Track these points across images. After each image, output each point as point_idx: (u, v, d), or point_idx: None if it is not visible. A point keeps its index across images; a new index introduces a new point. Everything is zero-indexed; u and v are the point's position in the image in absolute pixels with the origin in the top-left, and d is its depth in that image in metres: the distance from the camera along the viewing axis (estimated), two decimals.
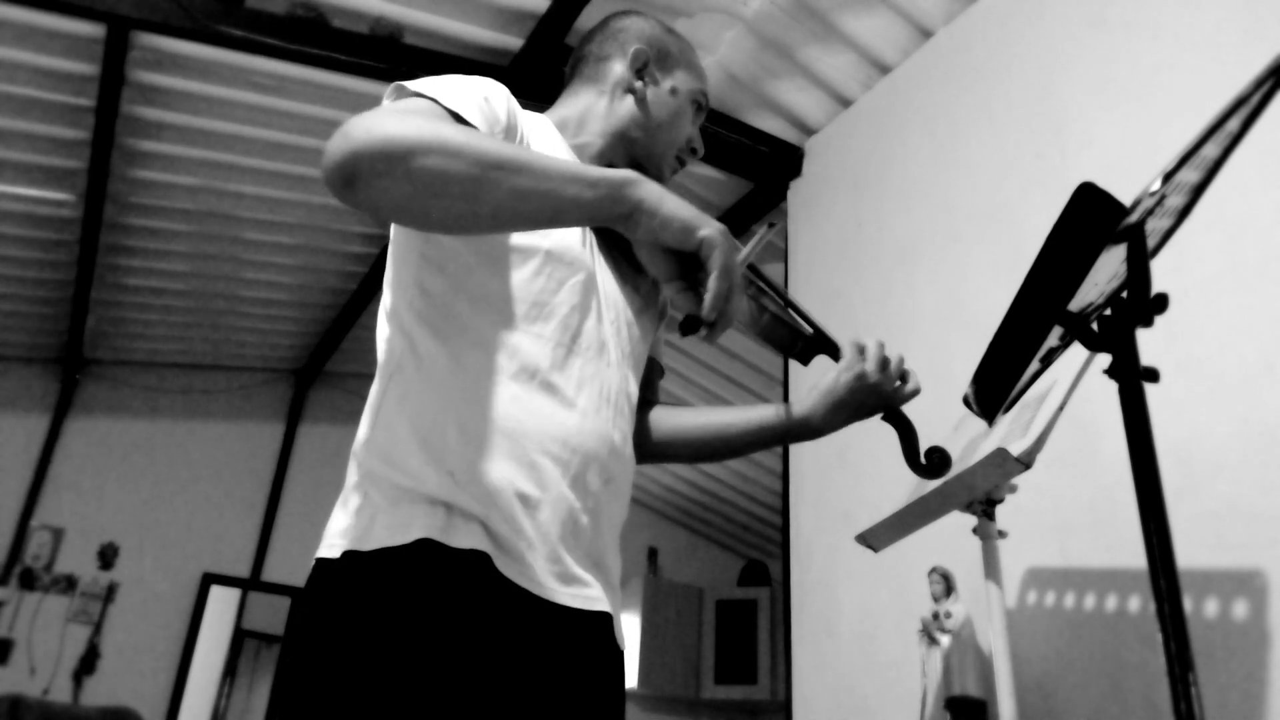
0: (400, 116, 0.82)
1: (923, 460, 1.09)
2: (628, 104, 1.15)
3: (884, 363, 1.11)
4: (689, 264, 0.88)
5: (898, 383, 1.12)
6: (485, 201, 0.81)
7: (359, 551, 0.86)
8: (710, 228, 0.85)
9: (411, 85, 0.92)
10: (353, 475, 0.94)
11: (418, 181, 0.78)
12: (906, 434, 1.11)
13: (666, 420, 1.21)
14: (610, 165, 1.14)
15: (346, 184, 0.78)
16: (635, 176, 0.86)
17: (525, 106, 1.10)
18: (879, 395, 1.11)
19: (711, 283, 0.84)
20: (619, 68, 1.16)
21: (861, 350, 1.11)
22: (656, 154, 1.16)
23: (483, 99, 0.96)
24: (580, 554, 0.94)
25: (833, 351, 1.12)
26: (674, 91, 1.17)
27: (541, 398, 0.93)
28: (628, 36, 1.18)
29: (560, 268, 0.98)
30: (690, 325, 0.86)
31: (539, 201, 0.82)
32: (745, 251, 1.00)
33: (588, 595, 0.94)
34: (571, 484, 0.93)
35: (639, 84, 1.15)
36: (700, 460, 1.25)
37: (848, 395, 1.11)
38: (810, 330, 1.11)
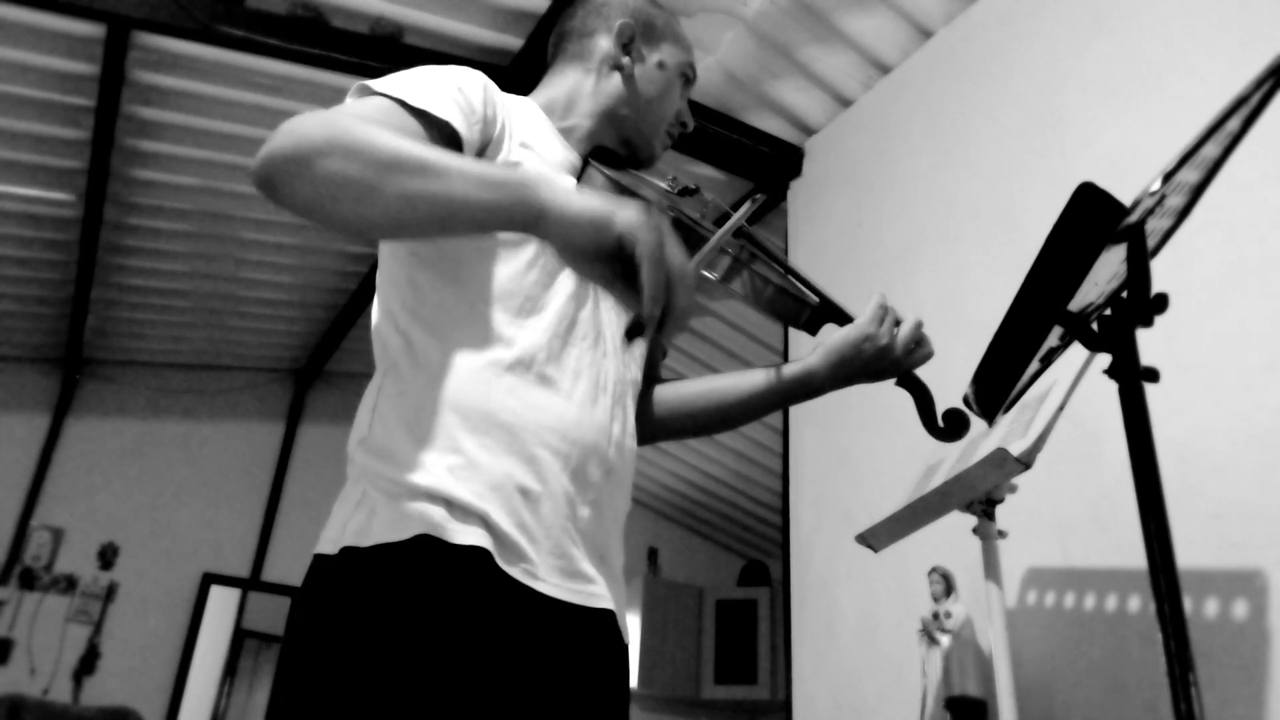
0: (324, 119, 0.81)
1: (940, 424, 1.06)
2: (615, 81, 1.12)
3: (896, 326, 1.06)
4: (625, 262, 0.76)
5: (912, 347, 1.07)
6: (375, 205, 0.78)
7: (357, 548, 0.85)
8: (624, 216, 0.76)
9: (376, 85, 0.91)
10: (350, 473, 0.93)
11: (319, 185, 0.79)
12: (922, 398, 1.07)
13: (669, 393, 1.19)
14: (600, 145, 1.13)
15: (263, 185, 0.80)
16: (539, 178, 0.80)
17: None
18: (889, 360, 1.06)
19: (643, 278, 0.74)
20: (604, 43, 1.14)
21: (881, 317, 1.06)
22: (646, 131, 1.14)
23: (456, 89, 0.94)
24: (584, 548, 0.94)
25: (841, 319, 1.09)
26: (661, 65, 1.14)
27: (538, 390, 0.93)
28: (611, 10, 1.15)
29: (553, 259, 0.97)
30: (634, 330, 0.75)
31: (430, 205, 0.78)
32: (724, 230, 0.95)
33: (590, 592, 0.93)
34: (572, 476, 0.93)
35: (626, 60, 1.13)
36: (705, 431, 1.21)
37: (854, 355, 1.06)
38: (816, 300, 1.08)
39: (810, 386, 1.11)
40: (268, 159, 0.79)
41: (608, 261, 0.77)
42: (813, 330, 1.10)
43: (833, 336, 1.08)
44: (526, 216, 0.78)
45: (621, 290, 0.78)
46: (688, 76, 1.18)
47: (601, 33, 1.14)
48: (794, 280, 1.09)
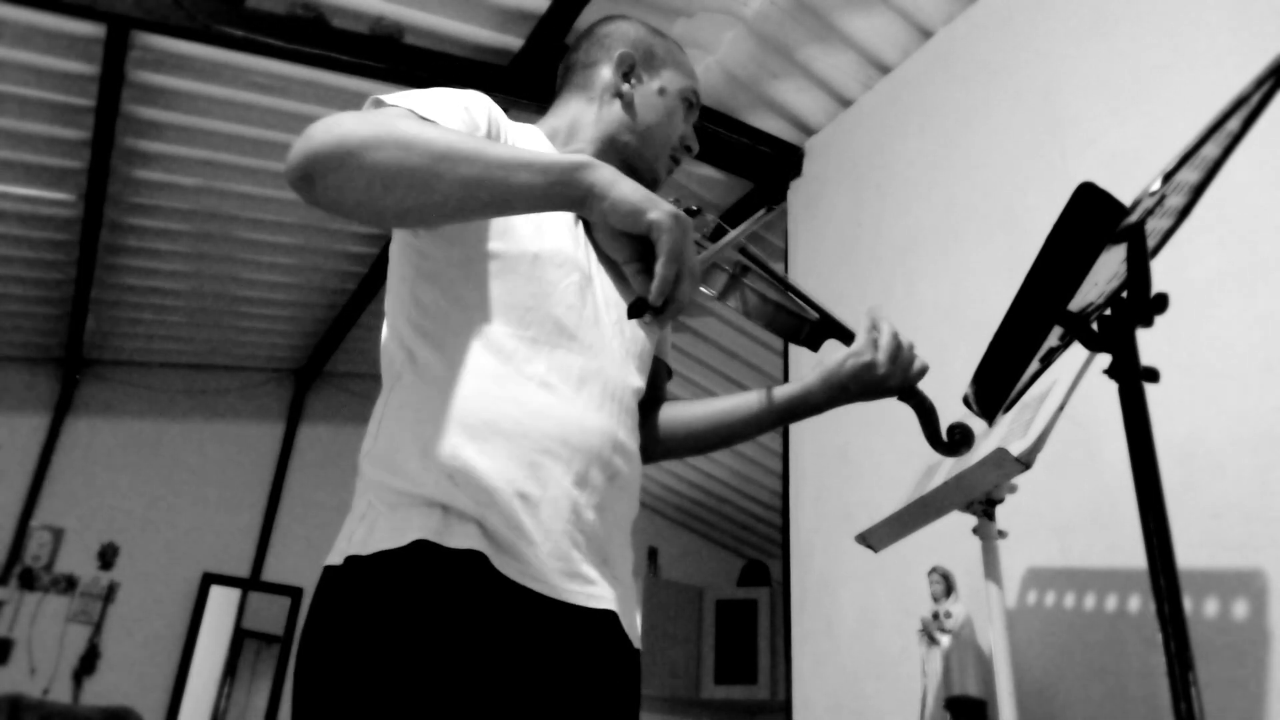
0: (359, 116, 0.85)
1: (944, 438, 1.06)
2: (616, 108, 1.15)
3: (894, 352, 1.07)
4: (646, 247, 0.85)
5: (906, 364, 1.09)
6: (436, 191, 0.82)
7: (359, 556, 0.87)
8: (658, 211, 0.83)
9: (389, 99, 0.93)
10: (358, 486, 0.95)
11: (370, 175, 0.80)
12: (925, 413, 1.08)
13: (672, 414, 1.22)
14: None
15: (305, 181, 0.81)
16: (587, 161, 0.85)
17: (524, 108, 1.10)
18: (884, 383, 1.08)
19: (658, 268, 0.82)
20: (606, 73, 1.17)
21: (875, 340, 1.08)
22: (649, 156, 1.16)
23: (462, 108, 0.97)
24: (587, 551, 0.94)
25: (843, 335, 1.10)
26: (662, 91, 1.17)
27: (541, 396, 0.94)
28: (613, 41, 1.19)
29: (552, 270, 0.99)
30: (636, 308, 0.84)
31: (489, 190, 0.82)
32: (724, 241, 0.99)
33: (591, 593, 0.94)
34: (575, 482, 0.93)
35: (626, 87, 1.16)
36: (706, 450, 1.25)
37: (851, 381, 1.09)
38: (816, 315, 1.09)
39: (808, 406, 1.14)
40: (309, 155, 0.80)
41: (633, 243, 0.86)
42: (814, 346, 1.11)
43: (830, 359, 1.11)
44: (576, 195, 0.83)
45: (635, 271, 0.86)
46: (690, 102, 1.20)
47: (603, 63, 1.17)
48: (793, 296, 1.10)
